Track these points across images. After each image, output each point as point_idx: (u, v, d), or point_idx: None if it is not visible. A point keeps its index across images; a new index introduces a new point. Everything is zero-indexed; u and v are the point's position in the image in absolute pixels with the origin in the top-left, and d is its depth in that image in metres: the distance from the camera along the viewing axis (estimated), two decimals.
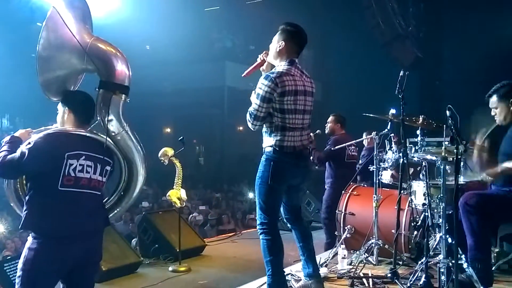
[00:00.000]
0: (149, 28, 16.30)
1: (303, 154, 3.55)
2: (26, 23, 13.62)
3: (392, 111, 4.31)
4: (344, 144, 5.81)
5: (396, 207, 4.09)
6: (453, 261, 3.37)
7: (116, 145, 3.09)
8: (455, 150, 3.32)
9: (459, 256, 3.51)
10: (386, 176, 4.72)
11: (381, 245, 4.55)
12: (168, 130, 22.42)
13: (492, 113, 3.94)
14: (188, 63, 18.04)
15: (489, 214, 3.70)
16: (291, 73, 3.44)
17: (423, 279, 3.64)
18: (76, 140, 2.87)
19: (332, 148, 5.89)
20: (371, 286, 3.94)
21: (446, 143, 3.59)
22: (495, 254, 4.11)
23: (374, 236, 4.59)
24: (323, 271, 4.13)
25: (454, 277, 3.31)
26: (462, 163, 4.14)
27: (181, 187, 5.35)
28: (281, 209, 3.70)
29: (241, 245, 6.72)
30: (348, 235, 4.86)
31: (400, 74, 3.91)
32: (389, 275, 3.96)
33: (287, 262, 3.85)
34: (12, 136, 2.92)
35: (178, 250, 5.28)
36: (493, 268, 3.95)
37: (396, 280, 3.86)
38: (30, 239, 2.77)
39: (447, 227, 3.64)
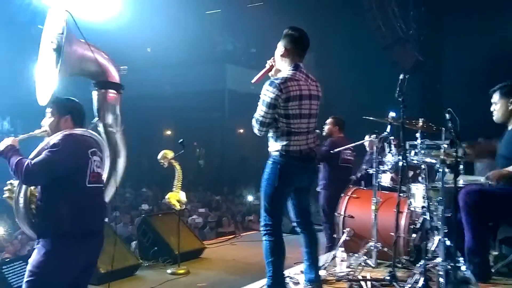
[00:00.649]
0: (150, 31, 16.34)
1: (309, 157, 3.57)
2: (27, 25, 13.66)
3: (392, 114, 4.31)
4: (341, 148, 5.80)
5: (395, 210, 4.10)
6: (452, 264, 3.37)
7: (110, 142, 3.26)
8: (454, 153, 3.33)
9: (457, 259, 3.51)
10: (385, 179, 4.72)
11: (380, 247, 4.54)
12: (169, 132, 22.44)
13: (492, 109, 4.02)
14: (189, 66, 18.06)
15: (487, 209, 3.73)
16: (295, 78, 3.46)
17: (421, 282, 3.63)
18: (88, 139, 3.02)
19: (331, 151, 5.87)
20: None
21: (445, 145, 3.60)
22: (493, 257, 4.11)
23: (373, 239, 4.58)
24: (322, 273, 4.12)
25: (452, 279, 3.31)
26: (462, 166, 4.16)
27: (181, 190, 5.35)
28: (292, 213, 3.73)
29: (240, 247, 6.72)
30: (347, 238, 4.86)
31: (400, 78, 3.92)
32: (387, 278, 3.96)
33: (287, 265, 3.84)
34: (6, 147, 2.88)
35: (177, 253, 5.29)
36: (492, 271, 3.96)
37: (394, 283, 3.85)
38: (42, 242, 2.79)
39: (446, 230, 3.64)
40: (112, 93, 3.64)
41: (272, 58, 3.67)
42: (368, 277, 4.16)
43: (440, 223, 3.69)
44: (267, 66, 3.70)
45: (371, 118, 4.69)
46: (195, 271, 5.28)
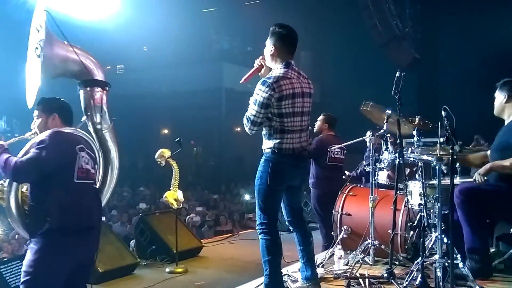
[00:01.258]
0: (146, 30, 16.30)
1: (302, 155, 3.56)
2: (23, 25, 13.59)
3: (388, 111, 4.32)
4: (337, 146, 5.80)
5: (392, 207, 4.11)
6: (449, 261, 3.38)
7: (100, 140, 3.32)
8: (450, 151, 3.34)
9: (454, 256, 3.53)
10: (382, 177, 4.74)
11: (377, 245, 4.55)
12: (166, 131, 22.41)
13: (494, 103, 4.09)
14: (186, 65, 18.04)
15: (483, 207, 3.76)
16: (287, 76, 3.44)
17: (419, 279, 3.65)
18: (76, 137, 3.03)
19: (317, 150, 5.83)
20: (367, 286, 3.94)
21: (441, 140, 3.61)
22: (490, 254, 4.13)
23: (370, 237, 4.59)
24: (319, 271, 4.13)
25: (449, 276, 3.32)
26: (457, 164, 4.18)
27: (178, 189, 5.35)
28: (283, 211, 3.72)
29: (238, 246, 6.72)
30: (344, 236, 4.87)
31: (396, 75, 3.93)
32: (385, 275, 3.97)
33: (284, 263, 3.85)
34: None
35: (175, 251, 5.28)
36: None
37: (392, 280, 3.87)
38: (33, 241, 2.79)
39: (443, 227, 3.65)
40: (98, 91, 3.66)
41: (261, 57, 3.64)
42: (366, 275, 4.17)
43: (437, 220, 3.71)
44: (256, 65, 3.65)
45: (371, 103, 4.67)
46: (193, 270, 5.29)
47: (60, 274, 2.82)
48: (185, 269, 5.22)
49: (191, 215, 10.84)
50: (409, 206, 4.33)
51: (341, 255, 4.48)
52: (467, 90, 12.95)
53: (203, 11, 18.84)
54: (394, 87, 3.93)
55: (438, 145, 3.67)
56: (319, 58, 18.01)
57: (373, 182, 4.66)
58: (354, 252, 4.63)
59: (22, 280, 2.78)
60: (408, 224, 4.60)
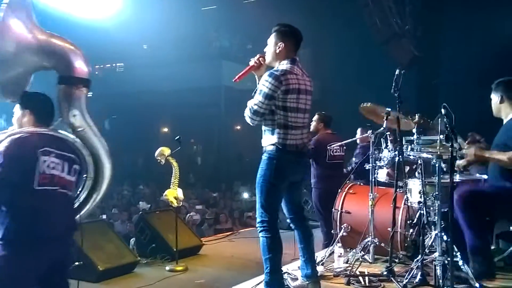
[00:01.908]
0: (146, 28, 16.28)
1: (303, 152, 3.59)
2: None
3: (388, 109, 4.32)
4: (337, 144, 5.83)
5: (392, 205, 4.12)
6: (449, 259, 3.39)
7: (81, 141, 3.05)
8: (450, 148, 3.34)
9: (454, 253, 3.53)
10: (382, 175, 4.74)
11: (377, 243, 4.56)
12: (165, 129, 22.42)
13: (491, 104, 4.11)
14: (185, 63, 18.03)
15: (483, 209, 3.75)
16: (294, 72, 3.47)
17: (419, 276, 3.66)
18: (43, 138, 2.80)
19: (315, 149, 5.86)
20: (367, 284, 3.95)
21: (441, 136, 3.61)
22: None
23: (370, 234, 4.60)
24: (319, 269, 4.14)
25: (449, 274, 3.33)
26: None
27: (178, 187, 5.35)
28: (284, 209, 3.72)
29: (238, 244, 6.72)
30: (344, 234, 4.87)
31: (396, 73, 3.94)
32: (385, 273, 3.98)
33: (284, 261, 3.85)
34: None
35: (175, 250, 5.28)
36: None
37: (392, 278, 3.88)
38: None
39: (442, 225, 3.66)
40: (75, 88, 3.18)
41: (259, 56, 3.63)
42: (366, 273, 4.18)
43: (436, 218, 3.71)
44: (252, 63, 3.63)
45: (369, 104, 4.67)
46: (193, 268, 5.29)
47: (25, 282, 2.66)
48: (185, 267, 5.22)
49: (191, 213, 10.84)
50: (409, 204, 4.34)
51: (341, 253, 4.49)
52: (467, 88, 12.93)
53: (202, 9, 18.80)
54: (394, 84, 3.94)
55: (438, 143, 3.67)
56: (319, 55, 17.97)
57: (373, 180, 4.67)
58: (354, 250, 4.64)
59: None
60: (408, 222, 4.61)
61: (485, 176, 4.08)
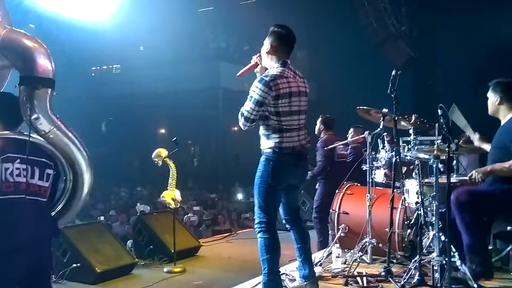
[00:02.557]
0: (142, 29, 16.27)
1: (301, 154, 3.58)
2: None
3: (384, 110, 4.33)
4: (337, 144, 6.03)
5: (389, 205, 4.12)
6: (447, 259, 3.40)
7: (50, 144, 2.88)
8: (447, 149, 3.36)
9: (452, 253, 3.54)
10: (379, 175, 4.75)
11: (375, 243, 4.57)
12: (163, 131, 22.38)
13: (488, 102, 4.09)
14: (182, 64, 18.00)
15: (480, 210, 3.75)
16: (284, 75, 3.47)
17: (416, 277, 3.67)
18: (4, 144, 2.64)
19: (325, 148, 6.06)
20: (365, 284, 3.96)
21: (438, 141, 3.62)
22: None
23: (368, 235, 4.61)
24: (317, 270, 4.15)
25: (447, 274, 3.34)
26: (454, 161, 4.19)
27: (176, 188, 5.35)
28: (281, 210, 3.73)
29: (236, 245, 6.72)
30: (342, 234, 4.88)
31: (392, 74, 3.95)
32: (383, 273, 3.98)
33: (282, 262, 3.86)
34: None
35: (173, 251, 5.28)
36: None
37: (390, 279, 3.88)
38: None
39: (440, 225, 3.67)
40: (37, 90, 2.89)
41: (258, 55, 3.66)
42: (364, 273, 4.18)
43: (434, 218, 3.72)
44: (253, 62, 3.68)
45: (365, 107, 4.70)
46: (191, 269, 5.29)
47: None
48: (183, 268, 5.22)
49: (188, 215, 10.82)
50: (406, 205, 4.35)
51: (338, 254, 4.50)
52: (463, 88, 12.97)
53: (199, 10, 18.80)
54: (390, 85, 3.95)
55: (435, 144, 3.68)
56: (316, 57, 18.00)
57: (370, 180, 4.68)
58: (351, 251, 4.65)
59: None
60: (406, 222, 4.62)
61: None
